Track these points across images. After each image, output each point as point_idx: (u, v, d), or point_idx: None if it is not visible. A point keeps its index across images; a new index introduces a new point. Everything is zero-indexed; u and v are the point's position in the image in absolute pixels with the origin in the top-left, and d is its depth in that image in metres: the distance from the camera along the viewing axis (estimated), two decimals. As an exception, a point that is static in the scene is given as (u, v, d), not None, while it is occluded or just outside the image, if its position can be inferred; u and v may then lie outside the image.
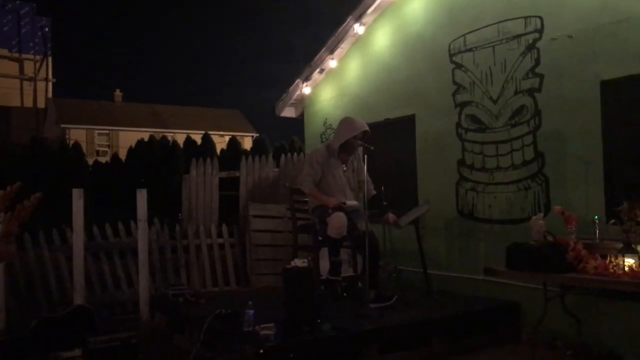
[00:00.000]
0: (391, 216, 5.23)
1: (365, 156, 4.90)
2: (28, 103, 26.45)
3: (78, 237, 5.64)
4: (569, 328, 4.37)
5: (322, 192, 5.23)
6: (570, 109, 4.78)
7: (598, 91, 4.57)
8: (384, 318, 4.56)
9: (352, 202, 5.22)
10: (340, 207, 5.05)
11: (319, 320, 4.19)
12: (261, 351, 3.73)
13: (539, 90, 5.02)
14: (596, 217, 4.24)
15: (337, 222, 4.98)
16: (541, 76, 5.00)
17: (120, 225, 6.70)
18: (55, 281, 6.19)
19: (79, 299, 5.51)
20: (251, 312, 4.16)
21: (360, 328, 4.31)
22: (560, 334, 4.59)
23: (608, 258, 3.79)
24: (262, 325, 4.08)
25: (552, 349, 4.61)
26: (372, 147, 5.03)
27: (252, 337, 3.99)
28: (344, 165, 5.35)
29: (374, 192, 5.24)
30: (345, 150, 5.30)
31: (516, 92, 5.18)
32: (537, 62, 5.03)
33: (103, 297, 6.36)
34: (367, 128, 5.29)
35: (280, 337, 3.98)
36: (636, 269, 3.60)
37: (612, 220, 4.02)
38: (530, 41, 5.07)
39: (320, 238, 5.25)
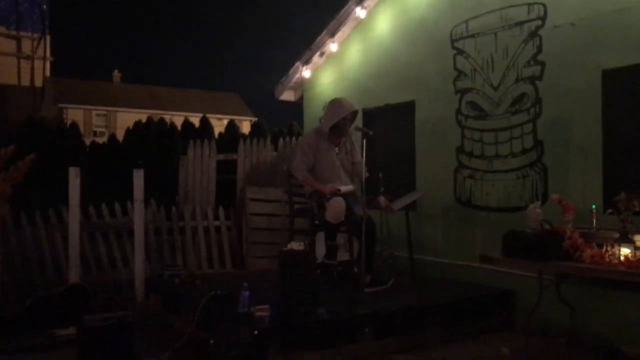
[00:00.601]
0: (382, 200, 5.21)
1: (364, 141, 4.87)
2: (25, 82, 26.27)
3: (74, 216, 5.63)
4: (564, 317, 4.38)
5: (317, 177, 5.20)
6: (571, 98, 4.76)
7: (599, 80, 4.55)
8: (378, 303, 4.57)
9: (347, 188, 5.18)
10: (336, 194, 5.04)
11: (314, 304, 4.21)
12: (255, 332, 3.74)
13: (540, 78, 4.99)
14: (593, 206, 4.24)
15: (336, 207, 4.96)
16: (543, 64, 4.97)
17: (117, 206, 6.69)
18: (51, 260, 6.18)
19: (74, 277, 5.51)
20: (246, 293, 4.17)
21: (355, 312, 4.32)
22: (554, 323, 4.60)
23: (604, 247, 3.79)
24: (257, 307, 4.09)
25: (546, 337, 4.63)
26: (371, 132, 5.00)
27: (247, 318, 4.01)
28: (336, 148, 5.31)
29: (367, 175, 5.23)
30: (335, 132, 5.25)
31: (517, 80, 5.16)
32: (539, 49, 4.99)
33: (99, 277, 6.35)
34: (355, 108, 5.26)
35: (275, 319, 3.99)
36: (632, 259, 3.60)
37: (610, 210, 4.01)
38: (533, 28, 5.03)
39: (316, 222, 5.25)
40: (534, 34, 5.03)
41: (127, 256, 6.47)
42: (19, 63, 26.23)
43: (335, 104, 5.31)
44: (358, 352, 4.18)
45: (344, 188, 5.10)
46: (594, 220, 4.18)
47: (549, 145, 4.94)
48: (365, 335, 4.27)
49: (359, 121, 5.72)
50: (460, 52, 5.68)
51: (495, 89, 5.34)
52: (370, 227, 5.01)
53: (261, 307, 4.09)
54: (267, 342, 3.83)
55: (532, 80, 5.05)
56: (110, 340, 4.00)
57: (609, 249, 3.75)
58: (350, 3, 6.71)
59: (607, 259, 3.69)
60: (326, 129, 5.25)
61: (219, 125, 19.42)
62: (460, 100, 5.67)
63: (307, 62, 7.56)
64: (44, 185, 8.86)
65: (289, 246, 4.35)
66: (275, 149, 8.14)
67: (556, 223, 4.12)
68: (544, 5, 4.95)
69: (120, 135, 14.70)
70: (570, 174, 4.76)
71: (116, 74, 31.91)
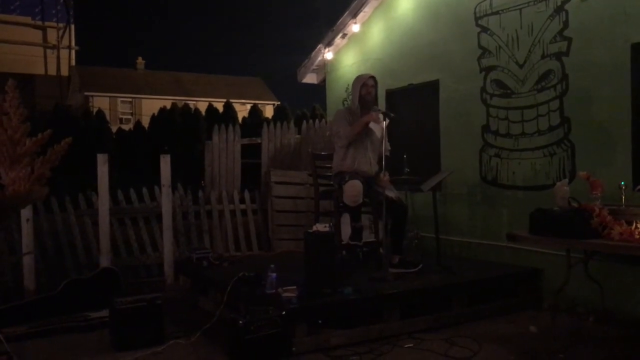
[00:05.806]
0: (384, 177, 4.94)
1: (385, 122, 4.85)
2: (52, 71, 26.56)
3: (103, 202, 5.73)
4: (592, 294, 4.35)
5: (345, 156, 5.17)
6: (598, 73, 4.67)
7: (628, 54, 4.46)
8: (404, 283, 4.58)
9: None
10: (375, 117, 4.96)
11: (340, 284, 4.24)
12: (283, 313, 3.79)
13: (566, 54, 4.91)
14: (622, 182, 4.17)
15: (352, 191, 4.92)
16: (569, 39, 4.88)
17: (145, 191, 6.78)
18: (81, 244, 6.31)
19: (105, 261, 5.63)
20: (274, 275, 4.22)
21: (381, 292, 4.34)
22: (582, 301, 4.58)
23: (634, 224, 3.74)
24: (284, 288, 4.14)
25: (574, 315, 4.61)
26: (393, 115, 4.96)
27: (274, 299, 4.06)
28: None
29: (387, 154, 5.18)
30: (364, 107, 5.16)
31: (543, 56, 5.08)
32: (566, 24, 4.90)
33: (128, 261, 6.46)
34: (371, 74, 5.21)
35: (302, 299, 4.03)
36: (662, 235, 3.55)
37: (639, 186, 3.95)
38: (559, 3, 4.94)
39: (341, 204, 5.25)
40: (560, 9, 4.93)
41: (156, 240, 6.57)
42: (45, 53, 26.52)
43: (355, 79, 5.28)
44: (385, 331, 4.21)
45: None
46: (623, 197, 4.12)
47: (576, 122, 4.86)
48: (393, 315, 4.29)
49: (382, 103, 5.68)
50: (484, 29, 5.60)
51: (521, 66, 5.26)
52: (401, 210, 5.00)
53: (288, 288, 4.14)
54: (294, 322, 3.88)
55: (558, 56, 4.96)
56: (141, 322, 4.10)
57: (638, 225, 3.70)
58: (372, -18, 6.65)
59: (637, 236, 3.64)
60: (355, 106, 5.19)
61: (242, 109, 19.48)
62: (485, 79, 5.60)
63: (329, 44, 7.53)
64: (72, 171, 8.99)
65: (314, 228, 4.37)
66: (299, 132, 8.14)
67: (584, 201, 4.07)
68: (570, -21, 4.84)
69: (145, 122, 14.86)
70: (598, 151, 4.68)
71: (140, 61, 32.08)
